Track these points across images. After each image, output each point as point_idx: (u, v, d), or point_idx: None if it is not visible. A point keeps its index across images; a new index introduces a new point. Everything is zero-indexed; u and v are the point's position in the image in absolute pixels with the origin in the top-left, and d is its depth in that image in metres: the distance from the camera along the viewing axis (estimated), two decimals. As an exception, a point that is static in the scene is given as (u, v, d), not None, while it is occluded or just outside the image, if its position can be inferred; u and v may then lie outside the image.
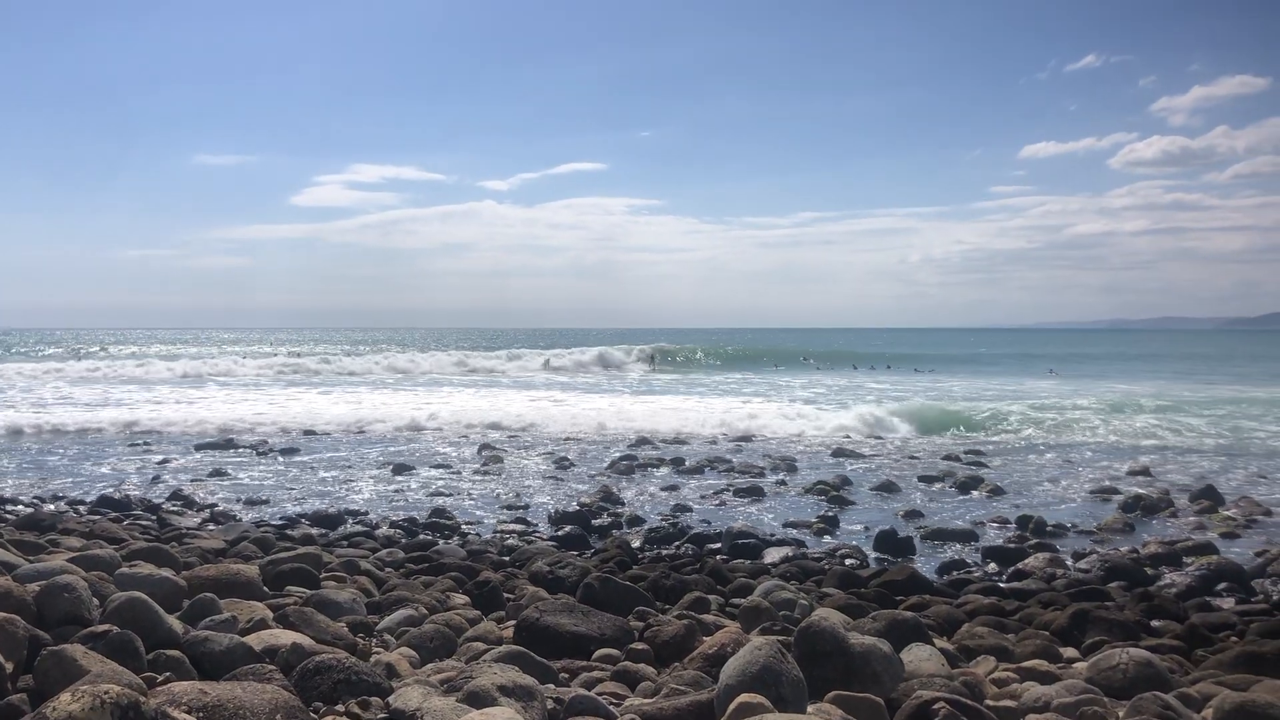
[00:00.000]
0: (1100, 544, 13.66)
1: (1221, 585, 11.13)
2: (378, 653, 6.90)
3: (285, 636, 6.50)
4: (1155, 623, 9.30)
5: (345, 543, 12.80)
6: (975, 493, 17.43)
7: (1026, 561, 12.17)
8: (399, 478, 18.77)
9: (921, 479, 18.68)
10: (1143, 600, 10.02)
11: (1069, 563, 12.30)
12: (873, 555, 13.06)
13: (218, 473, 19.14)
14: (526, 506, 16.03)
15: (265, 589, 8.54)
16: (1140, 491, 16.72)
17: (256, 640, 6.38)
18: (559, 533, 13.92)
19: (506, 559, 11.89)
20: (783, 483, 18.26)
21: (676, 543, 13.48)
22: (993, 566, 12.39)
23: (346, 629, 7.45)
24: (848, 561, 12.36)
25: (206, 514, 15.05)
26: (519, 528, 14.39)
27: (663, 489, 17.79)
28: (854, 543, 13.66)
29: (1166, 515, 15.54)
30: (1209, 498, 16.29)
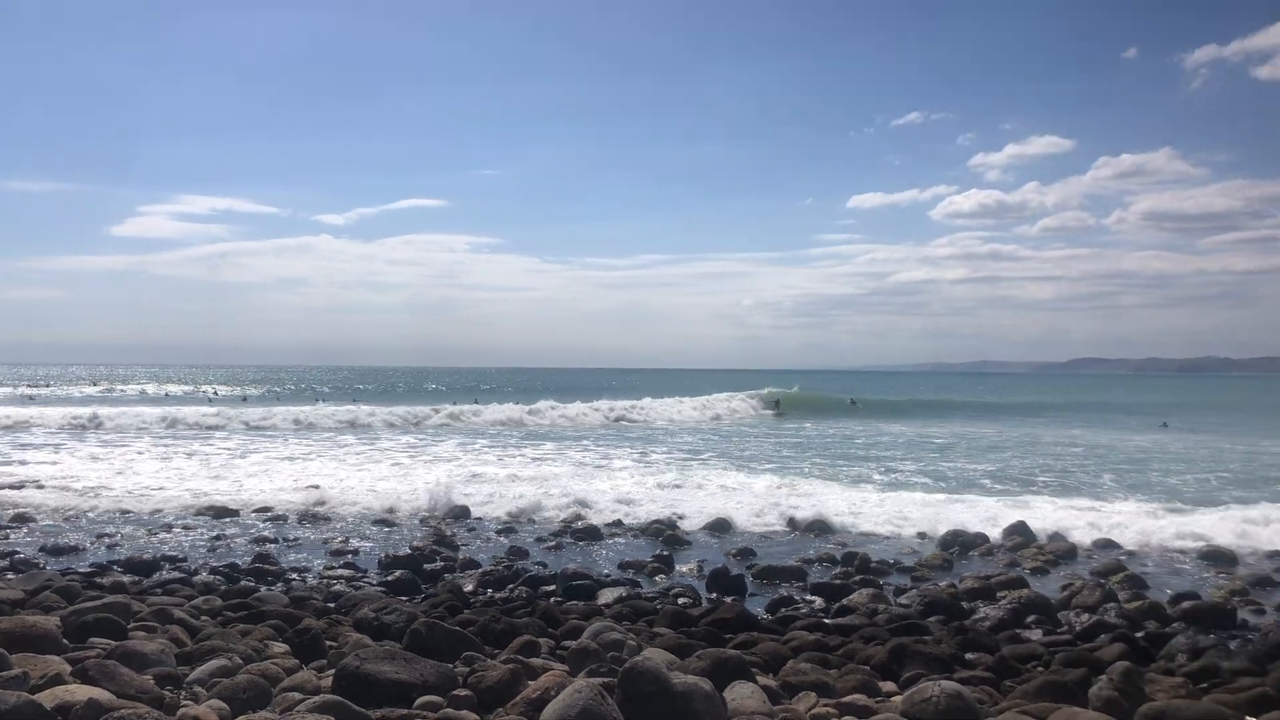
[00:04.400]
0: (921, 580, 14.15)
1: (1031, 618, 11.68)
2: (186, 706, 6.56)
3: (81, 692, 6.11)
4: (969, 655, 9.67)
5: (159, 590, 12.16)
6: (805, 531, 17.82)
7: (851, 597, 12.50)
8: (222, 522, 17.98)
9: (754, 516, 18.98)
10: (958, 634, 10.41)
11: (891, 598, 12.69)
12: (705, 594, 13.19)
13: (21, 519, 17.94)
14: (355, 552, 15.59)
15: (65, 642, 8.03)
16: (958, 529, 17.38)
17: (49, 697, 5.98)
18: (389, 578, 13.56)
19: (332, 605, 11.50)
20: (619, 524, 18.28)
21: (511, 586, 13.32)
22: (819, 603, 12.68)
23: (153, 682, 7.06)
24: (680, 601, 12.45)
25: (5, 562, 14.08)
26: (347, 573, 13.97)
27: (498, 531, 17.60)
28: (687, 582, 13.79)
29: (983, 551, 16.22)
30: (1021, 534, 17.11)
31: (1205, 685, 8.66)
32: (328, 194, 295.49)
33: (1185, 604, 12.19)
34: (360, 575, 13.94)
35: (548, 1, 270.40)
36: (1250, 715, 7.61)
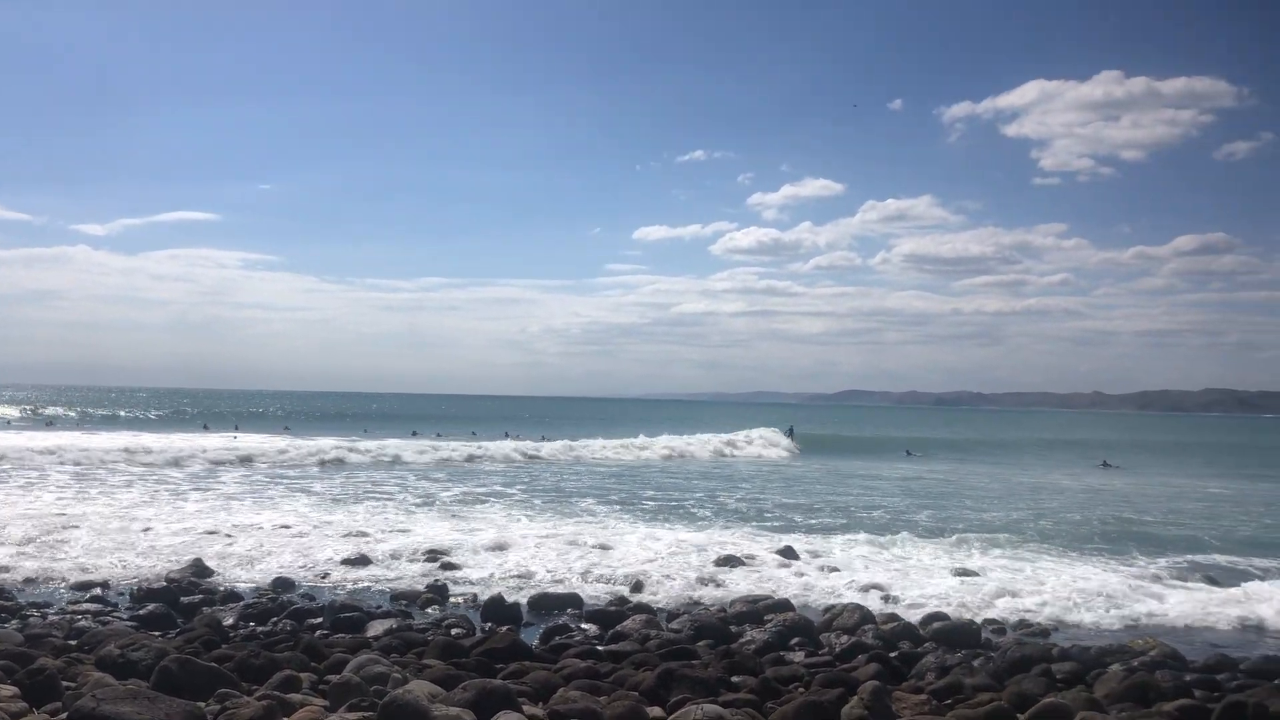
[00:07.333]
0: (693, 603, 14.42)
1: (795, 640, 12.12)
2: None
3: None
4: (735, 678, 9.91)
5: None
6: (581, 549, 17.83)
7: (624, 624, 12.62)
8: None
9: (537, 541, 18.84)
10: (725, 657, 10.66)
11: (663, 624, 12.88)
12: (480, 624, 13.01)
13: None
14: (104, 585, 14.55)
15: None
16: (730, 553, 17.83)
17: None
18: (141, 612, 12.74)
19: (73, 643, 10.70)
20: (394, 555, 17.70)
21: (274, 619, 12.74)
22: (593, 630, 12.74)
23: None
24: (453, 631, 12.23)
25: None
26: (94, 607, 13.03)
27: (263, 559, 16.80)
28: (462, 612, 13.58)
29: (752, 571, 16.66)
30: (789, 557, 17.76)
31: (949, 701, 9.22)
32: (88, 202, 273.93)
33: (936, 625, 12.95)
34: (109, 610, 13.06)
35: (333, 14, 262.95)
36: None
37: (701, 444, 53.39)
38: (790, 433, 62.14)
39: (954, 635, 12.56)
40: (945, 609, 14.09)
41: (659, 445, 51.10)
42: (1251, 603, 14.88)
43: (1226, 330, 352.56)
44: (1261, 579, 16.81)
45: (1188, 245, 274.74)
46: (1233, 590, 15.68)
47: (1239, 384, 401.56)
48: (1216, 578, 17.04)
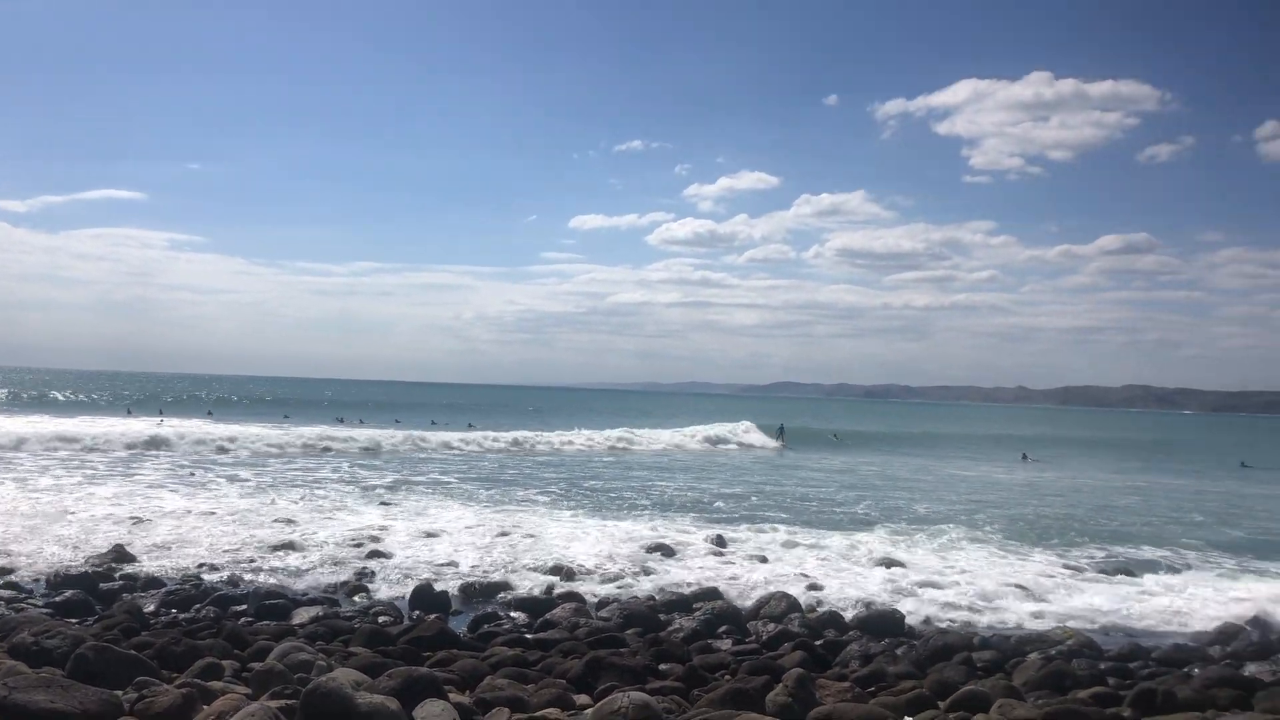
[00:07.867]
0: (623, 591, 14.45)
1: (723, 628, 12.22)
2: None
3: None
4: (663, 666, 9.99)
5: None
6: (512, 538, 17.78)
7: (554, 612, 12.63)
8: None
9: (468, 529, 18.75)
10: (653, 645, 10.73)
11: (592, 611, 12.90)
12: (408, 612, 12.91)
13: None
14: (13, 571, 14.13)
15: None
16: (663, 541, 17.90)
17: None
18: (57, 599, 12.44)
19: (-15, 630, 10.41)
20: (323, 541, 17.50)
21: (197, 605, 12.53)
22: (523, 618, 12.71)
23: None
24: (381, 619, 12.14)
25: None
26: (7, 594, 12.69)
27: (186, 541, 16.47)
28: (390, 600, 13.46)
29: (683, 561, 16.76)
30: (720, 546, 17.88)
31: (872, 689, 9.37)
32: (7, 178, 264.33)
33: (861, 614, 13.15)
34: (23, 596, 12.72)
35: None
36: (909, 715, 8.29)
37: (651, 437, 52.74)
38: (781, 432, 59.75)
39: (878, 624, 12.74)
40: (871, 598, 14.29)
41: (603, 436, 50.43)
42: (1165, 594, 15.33)
43: (1147, 328, 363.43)
44: (1175, 571, 17.33)
45: (1112, 245, 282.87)
46: (1147, 582, 16.14)
47: (1157, 381, 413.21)
48: (1133, 570, 17.49)
